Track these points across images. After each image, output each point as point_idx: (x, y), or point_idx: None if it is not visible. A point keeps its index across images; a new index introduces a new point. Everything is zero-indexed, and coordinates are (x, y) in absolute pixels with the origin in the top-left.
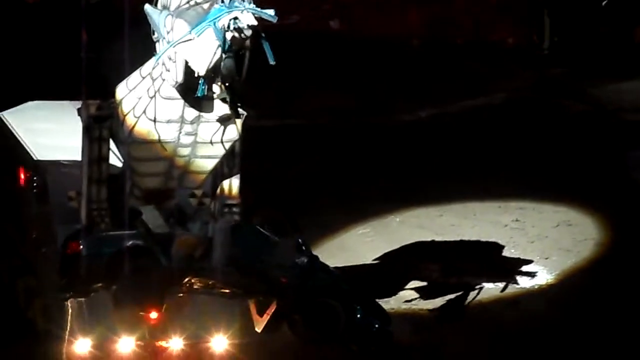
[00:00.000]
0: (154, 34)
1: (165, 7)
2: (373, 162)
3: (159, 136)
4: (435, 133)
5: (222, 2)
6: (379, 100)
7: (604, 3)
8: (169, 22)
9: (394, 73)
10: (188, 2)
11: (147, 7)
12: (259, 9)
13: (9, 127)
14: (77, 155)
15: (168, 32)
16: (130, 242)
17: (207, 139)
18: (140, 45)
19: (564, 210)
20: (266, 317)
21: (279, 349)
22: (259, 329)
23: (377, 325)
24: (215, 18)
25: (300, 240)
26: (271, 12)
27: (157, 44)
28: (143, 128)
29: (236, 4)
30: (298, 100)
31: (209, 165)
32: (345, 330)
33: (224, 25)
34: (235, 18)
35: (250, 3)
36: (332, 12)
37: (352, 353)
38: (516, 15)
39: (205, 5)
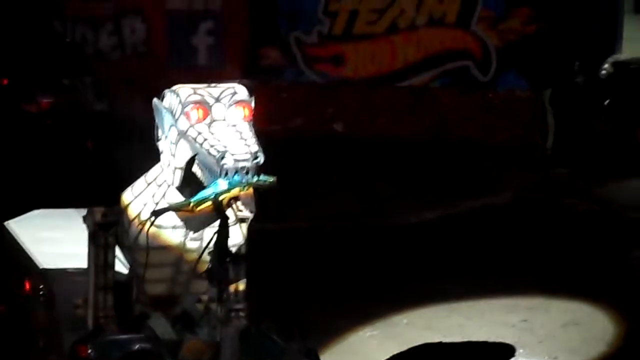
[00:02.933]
0: (157, 130)
1: (171, 113)
2: (379, 265)
3: (165, 242)
4: (442, 234)
5: (226, 175)
6: (384, 203)
7: (606, 103)
8: (174, 134)
9: (399, 175)
10: (195, 140)
11: (156, 101)
12: (261, 179)
13: (14, 236)
14: (83, 263)
15: (172, 143)
16: (138, 346)
17: (212, 244)
18: (145, 152)
19: (572, 310)
20: None
21: None
22: None
23: None
24: (217, 194)
25: (308, 347)
26: (273, 178)
27: (159, 143)
28: (149, 234)
29: (237, 177)
30: (302, 204)
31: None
32: None
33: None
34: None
35: (252, 174)
36: (335, 115)
37: None
38: (519, 115)
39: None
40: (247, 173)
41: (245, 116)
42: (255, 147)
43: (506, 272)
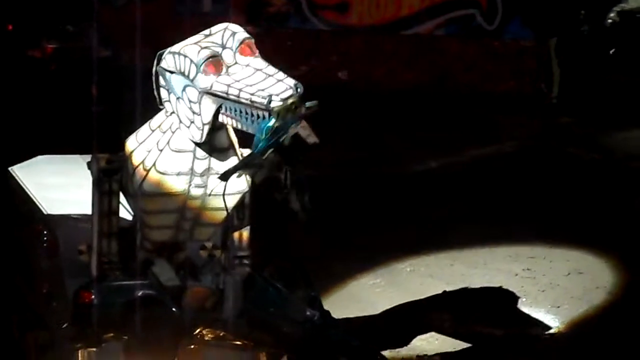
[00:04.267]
0: (158, 89)
1: (182, 74)
2: (383, 212)
3: (169, 189)
4: (446, 182)
5: (278, 115)
6: (389, 151)
7: (611, 52)
8: (193, 93)
9: (403, 124)
10: (227, 93)
11: (158, 68)
12: (307, 106)
13: (19, 181)
14: (87, 209)
15: (192, 102)
16: (141, 292)
17: (217, 191)
18: (149, 99)
19: (574, 259)
20: None
21: None
22: None
23: None
24: (278, 137)
25: (312, 294)
26: (315, 102)
27: (167, 103)
28: (153, 181)
29: (289, 117)
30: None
31: (219, 217)
32: None
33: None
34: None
35: (300, 109)
36: (339, 63)
37: None
38: (524, 64)
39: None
40: (296, 108)
41: (252, 52)
42: (290, 80)
43: (509, 221)
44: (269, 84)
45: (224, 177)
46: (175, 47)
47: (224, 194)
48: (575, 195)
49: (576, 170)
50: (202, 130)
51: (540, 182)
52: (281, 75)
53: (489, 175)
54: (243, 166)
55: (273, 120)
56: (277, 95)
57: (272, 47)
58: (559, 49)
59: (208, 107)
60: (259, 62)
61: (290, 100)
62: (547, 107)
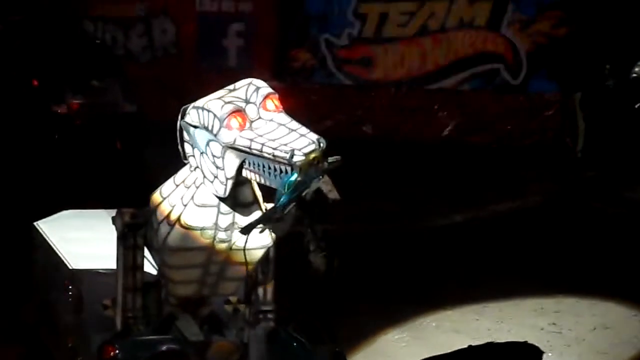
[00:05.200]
0: (182, 144)
1: (206, 129)
2: (407, 267)
3: (193, 243)
4: (471, 236)
5: (300, 170)
6: (415, 205)
7: (637, 106)
8: (216, 148)
9: (428, 177)
10: (250, 148)
11: (183, 122)
12: (329, 161)
13: (44, 236)
14: (111, 264)
15: (215, 157)
16: (166, 347)
17: (241, 245)
18: (174, 154)
19: (601, 313)
20: None
21: None
22: None
23: None
24: (299, 192)
25: (336, 349)
26: (338, 157)
27: (191, 157)
28: (177, 235)
29: (312, 172)
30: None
31: (243, 272)
32: None
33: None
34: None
35: (323, 164)
36: (365, 117)
37: None
38: (549, 118)
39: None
40: (318, 163)
41: (276, 107)
42: (313, 135)
43: (535, 275)
44: (291, 139)
45: (246, 230)
46: (200, 102)
47: (244, 248)
48: (600, 250)
49: (601, 224)
50: (226, 185)
51: (565, 236)
52: (304, 130)
53: (513, 229)
54: (264, 220)
55: (295, 175)
56: (300, 149)
57: (297, 102)
58: (584, 103)
59: (231, 161)
60: (283, 117)
61: (312, 155)
62: (572, 161)
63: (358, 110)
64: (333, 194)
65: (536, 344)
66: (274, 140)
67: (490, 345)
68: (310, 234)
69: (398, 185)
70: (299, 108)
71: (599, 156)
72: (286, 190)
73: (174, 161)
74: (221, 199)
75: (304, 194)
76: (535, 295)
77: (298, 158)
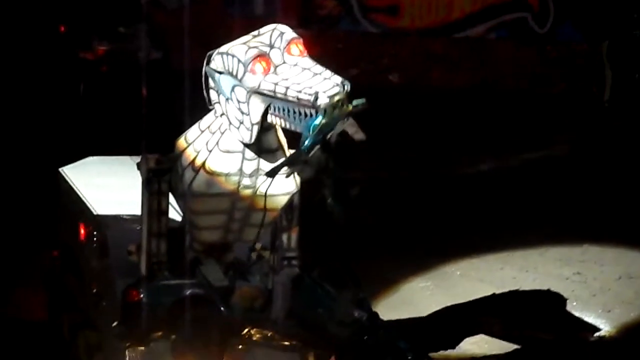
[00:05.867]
0: (207, 91)
1: (231, 74)
2: (432, 215)
3: (218, 189)
4: (496, 185)
5: (324, 112)
6: (440, 154)
7: None
8: (241, 93)
9: (454, 126)
10: (274, 92)
11: (208, 68)
12: (354, 104)
13: (69, 182)
14: (136, 210)
15: (240, 103)
16: (190, 291)
17: (265, 186)
18: (199, 100)
19: (626, 263)
20: None
21: None
22: None
23: None
24: (324, 135)
25: (360, 296)
26: (363, 100)
27: (217, 104)
28: (202, 181)
29: (336, 114)
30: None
31: (267, 218)
32: None
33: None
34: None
35: (346, 104)
36: (390, 65)
37: None
38: (576, 68)
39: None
40: (342, 105)
41: (301, 52)
42: (337, 77)
43: (561, 224)
44: (316, 82)
45: (271, 174)
46: (224, 48)
47: (265, 193)
48: (626, 199)
49: (627, 173)
50: (251, 130)
51: (591, 186)
52: (328, 73)
53: (540, 178)
54: (289, 163)
55: (320, 118)
56: (324, 92)
57: (322, 50)
58: (611, 53)
59: (256, 106)
60: (307, 61)
61: (337, 97)
62: (599, 110)
63: (384, 58)
64: (359, 135)
65: (561, 293)
66: (298, 83)
67: (514, 294)
68: (329, 180)
69: (424, 133)
70: (324, 56)
71: (626, 106)
72: (311, 133)
73: (200, 108)
74: (246, 145)
75: (328, 136)
76: (560, 244)
77: (322, 100)
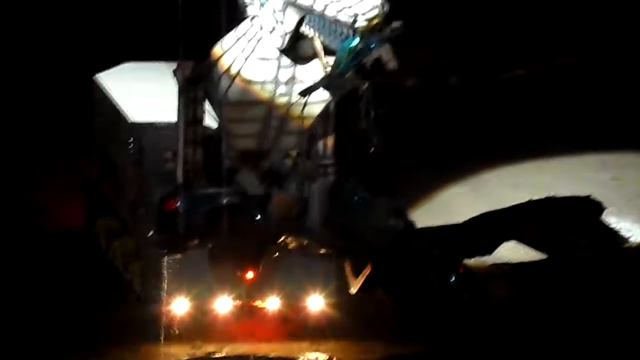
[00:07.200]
0: None
1: None
2: (470, 122)
3: (253, 97)
4: (534, 91)
5: (362, 36)
6: (477, 61)
7: None
8: (278, 3)
9: (491, 33)
10: (312, 7)
11: None
12: (392, 27)
13: (105, 89)
14: (172, 117)
15: (275, 10)
16: (226, 200)
17: (301, 99)
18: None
19: None
20: (361, 279)
21: (373, 310)
22: (353, 290)
23: (467, 294)
24: (356, 58)
25: (396, 203)
26: (399, 22)
27: (248, 8)
28: (238, 89)
29: (373, 39)
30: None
31: (304, 125)
32: (436, 296)
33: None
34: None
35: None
36: None
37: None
38: None
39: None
40: (380, 29)
41: None
42: None
43: (597, 129)
44: (355, 1)
45: (304, 93)
46: None
47: (304, 104)
48: None
49: None
50: (284, 38)
51: (629, 90)
52: None
53: (576, 84)
54: (322, 86)
55: (357, 41)
56: (363, 14)
57: None
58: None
59: (291, 17)
60: None
61: (375, 21)
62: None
63: None
64: (392, 63)
65: (597, 198)
66: (337, 1)
67: (550, 200)
68: (365, 99)
69: (459, 38)
70: None
71: None
72: (347, 55)
73: (234, 17)
74: (282, 52)
75: (364, 61)
76: (597, 149)
77: (360, 23)
